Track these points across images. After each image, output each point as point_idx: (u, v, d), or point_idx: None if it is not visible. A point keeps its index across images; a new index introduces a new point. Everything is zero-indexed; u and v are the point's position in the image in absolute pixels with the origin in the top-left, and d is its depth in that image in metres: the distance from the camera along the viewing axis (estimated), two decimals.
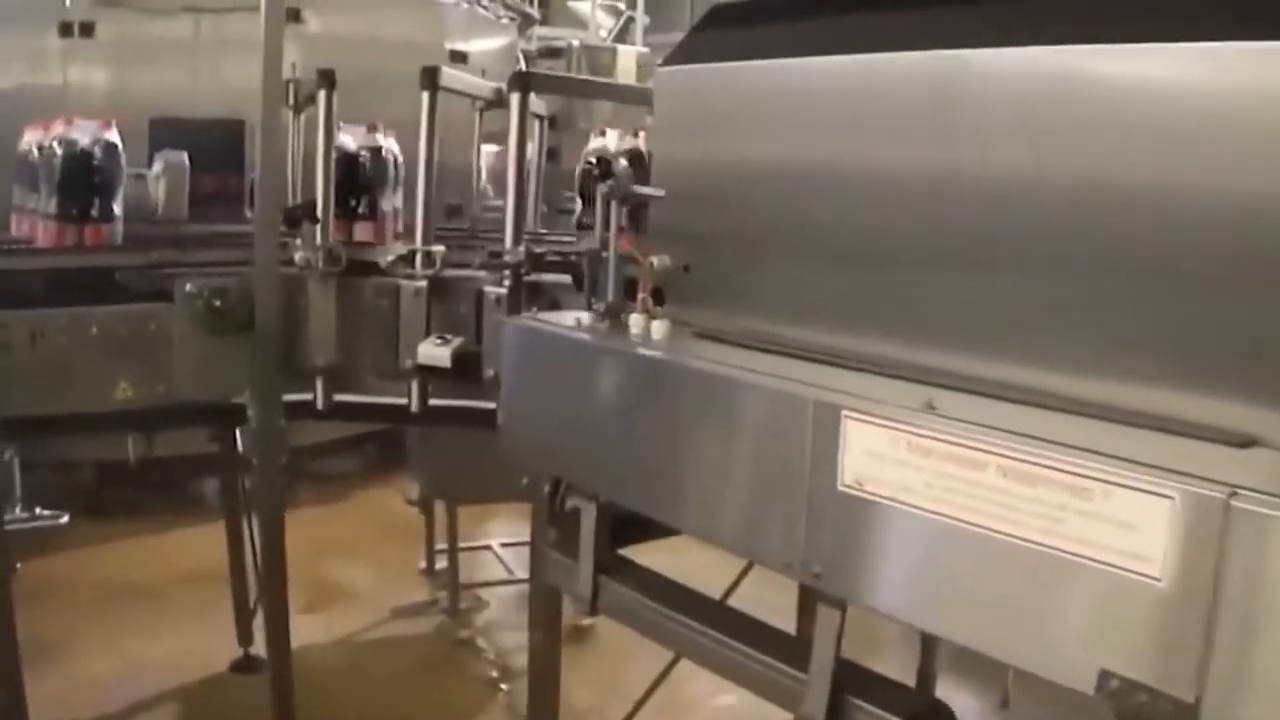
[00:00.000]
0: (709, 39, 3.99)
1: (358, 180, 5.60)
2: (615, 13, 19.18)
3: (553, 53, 13.12)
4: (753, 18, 4.00)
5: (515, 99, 4.87)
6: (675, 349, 3.43)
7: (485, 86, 5.72)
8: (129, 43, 8.85)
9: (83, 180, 5.16)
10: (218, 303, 4.96)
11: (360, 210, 5.62)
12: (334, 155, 5.21)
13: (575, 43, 13.55)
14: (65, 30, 8.59)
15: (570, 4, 19.40)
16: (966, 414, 2.53)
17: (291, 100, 5.86)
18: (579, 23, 18.45)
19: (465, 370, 4.85)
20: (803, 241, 3.44)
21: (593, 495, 3.71)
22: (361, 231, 5.58)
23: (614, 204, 3.81)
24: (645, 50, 15.19)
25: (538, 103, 6.32)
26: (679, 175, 3.88)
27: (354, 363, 5.15)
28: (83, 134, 5.17)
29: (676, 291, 3.81)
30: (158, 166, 6.09)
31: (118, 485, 9.76)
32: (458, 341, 4.86)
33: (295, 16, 8.52)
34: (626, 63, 13.50)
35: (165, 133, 7.25)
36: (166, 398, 4.99)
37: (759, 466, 3.01)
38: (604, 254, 3.83)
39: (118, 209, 5.25)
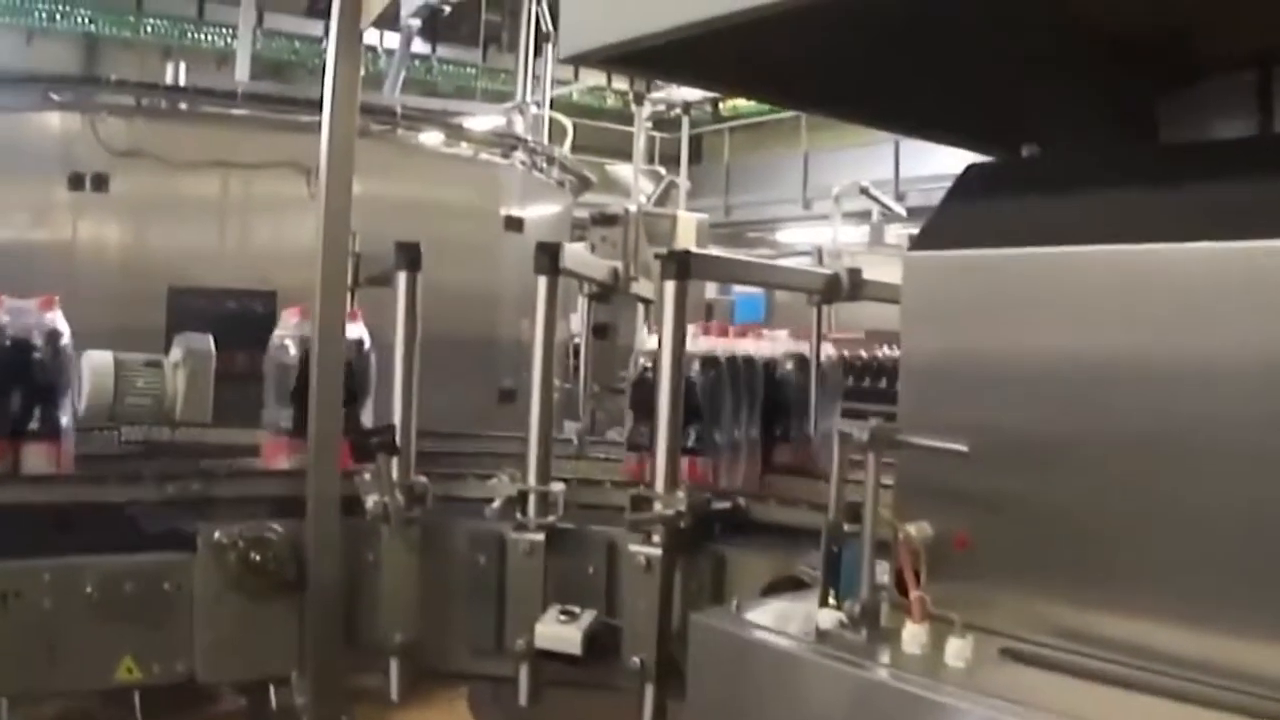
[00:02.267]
0: (973, 213, 2.96)
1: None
2: (655, 177, 18.44)
3: (607, 219, 12.00)
4: (1030, 179, 3.03)
5: (670, 287, 3.62)
6: (1001, 690, 2.29)
7: (602, 268, 4.49)
8: (147, 199, 7.73)
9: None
10: (256, 556, 3.80)
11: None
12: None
13: (632, 209, 12.46)
14: (75, 182, 7.44)
15: (608, 168, 18.75)
16: None
17: (350, 279, 4.59)
18: (619, 188, 17.72)
19: (598, 653, 3.61)
20: (1157, 495, 2.43)
21: None
22: None
23: (872, 457, 2.56)
24: (704, 216, 14.20)
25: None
26: (945, 403, 2.76)
27: (441, 638, 3.91)
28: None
29: (942, 569, 2.63)
30: (177, 353, 4.79)
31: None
32: (588, 617, 3.62)
33: None
34: (687, 229, 12.41)
35: (185, 302, 6.57)
36: (184, 678, 3.74)
37: None
38: (849, 528, 2.69)
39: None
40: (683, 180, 18.29)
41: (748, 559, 3.59)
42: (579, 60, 3.16)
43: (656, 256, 8.51)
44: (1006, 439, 2.62)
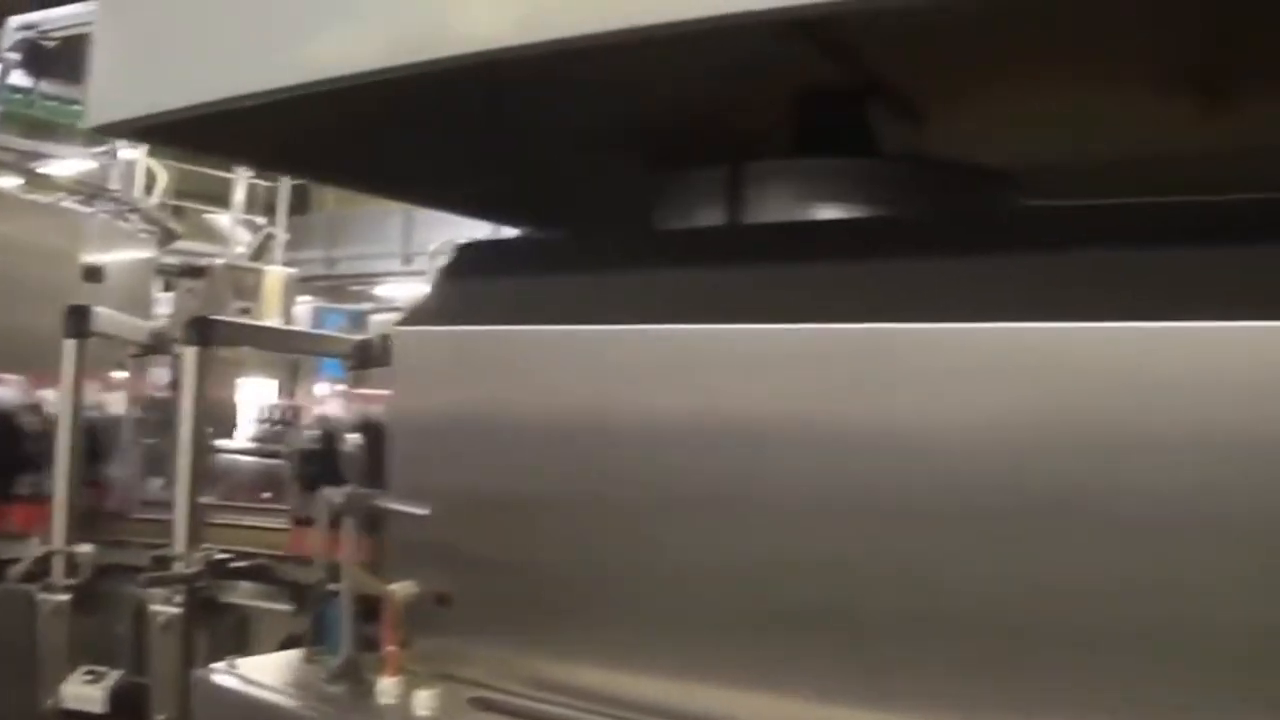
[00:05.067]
0: (463, 289, 3.09)
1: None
2: (253, 227, 18.09)
3: (194, 271, 11.81)
4: (518, 259, 3.20)
5: (192, 353, 3.72)
6: None
7: (143, 329, 4.54)
8: None
9: None
10: None
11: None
12: None
13: (219, 261, 12.31)
14: None
15: (208, 217, 18.34)
16: None
17: None
18: (220, 237, 17.35)
19: (127, 711, 3.62)
20: (614, 556, 2.61)
21: None
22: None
23: (349, 521, 2.75)
24: (294, 271, 14.08)
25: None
26: (429, 467, 2.88)
27: None
28: None
29: (429, 627, 2.77)
30: None
31: None
32: (114, 676, 3.66)
33: None
34: (273, 284, 12.32)
35: None
36: None
37: None
38: (331, 587, 2.85)
39: None
40: (280, 231, 17.97)
41: (270, 615, 3.71)
42: (108, 131, 3.17)
43: (242, 311, 8.48)
44: (483, 501, 2.76)
